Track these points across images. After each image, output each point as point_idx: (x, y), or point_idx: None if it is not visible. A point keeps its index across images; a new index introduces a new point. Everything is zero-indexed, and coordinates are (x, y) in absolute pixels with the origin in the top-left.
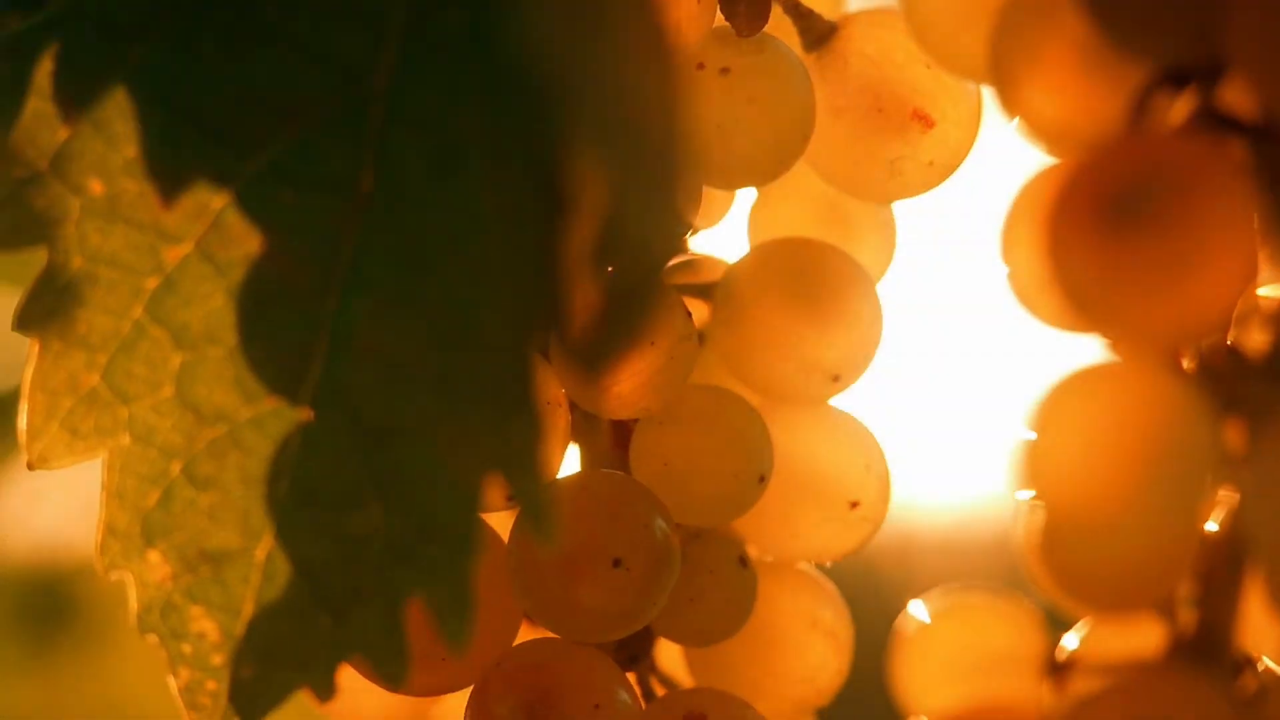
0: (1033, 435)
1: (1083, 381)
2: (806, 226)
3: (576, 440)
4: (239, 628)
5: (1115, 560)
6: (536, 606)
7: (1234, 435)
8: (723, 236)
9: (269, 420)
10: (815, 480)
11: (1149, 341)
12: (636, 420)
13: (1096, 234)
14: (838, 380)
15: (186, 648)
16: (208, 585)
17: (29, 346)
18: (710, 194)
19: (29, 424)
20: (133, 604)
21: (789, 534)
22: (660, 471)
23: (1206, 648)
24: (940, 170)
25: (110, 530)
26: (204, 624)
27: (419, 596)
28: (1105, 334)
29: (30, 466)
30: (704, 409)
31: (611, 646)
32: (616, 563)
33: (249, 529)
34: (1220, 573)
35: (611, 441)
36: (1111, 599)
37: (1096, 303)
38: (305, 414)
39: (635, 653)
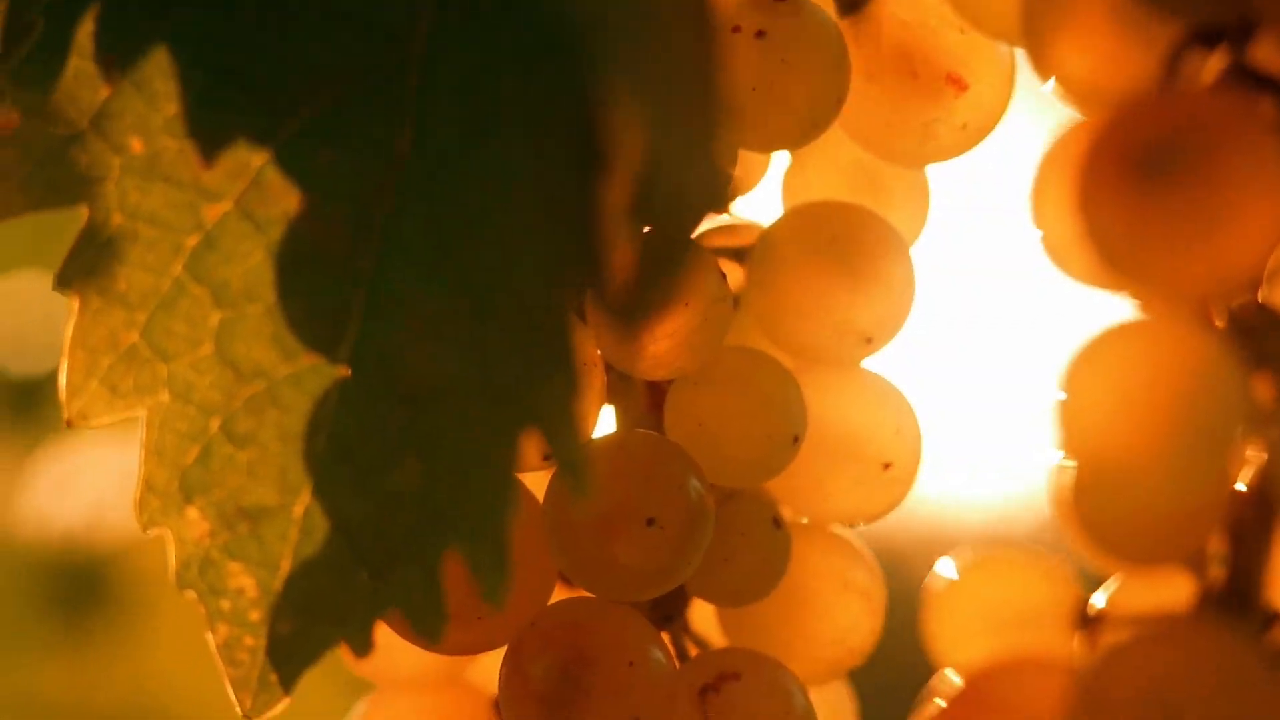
0: (1064, 393)
1: (1114, 338)
2: (840, 190)
3: (612, 402)
4: (277, 583)
5: (1146, 514)
6: (571, 565)
7: (1264, 391)
8: (758, 201)
9: (307, 377)
10: (848, 442)
11: (1180, 297)
12: (671, 382)
13: (1127, 189)
14: (870, 342)
15: (225, 604)
16: (246, 541)
17: (69, 304)
18: (745, 158)
19: (68, 381)
20: (171, 561)
21: (822, 496)
22: (694, 432)
23: (1235, 602)
24: (974, 133)
25: (149, 487)
26: (242, 580)
27: (456, 553)
28: (1136, 290)
29: (69, 424)
30: (738, 370)
31: (646, 606)
32: (651, 522)
33: (287, 485)
34: (1250, 528)
35: (646, 403)
36: (1142, 553)
37: (1127, 258)
38: (343, 371)
39: (669, 612)
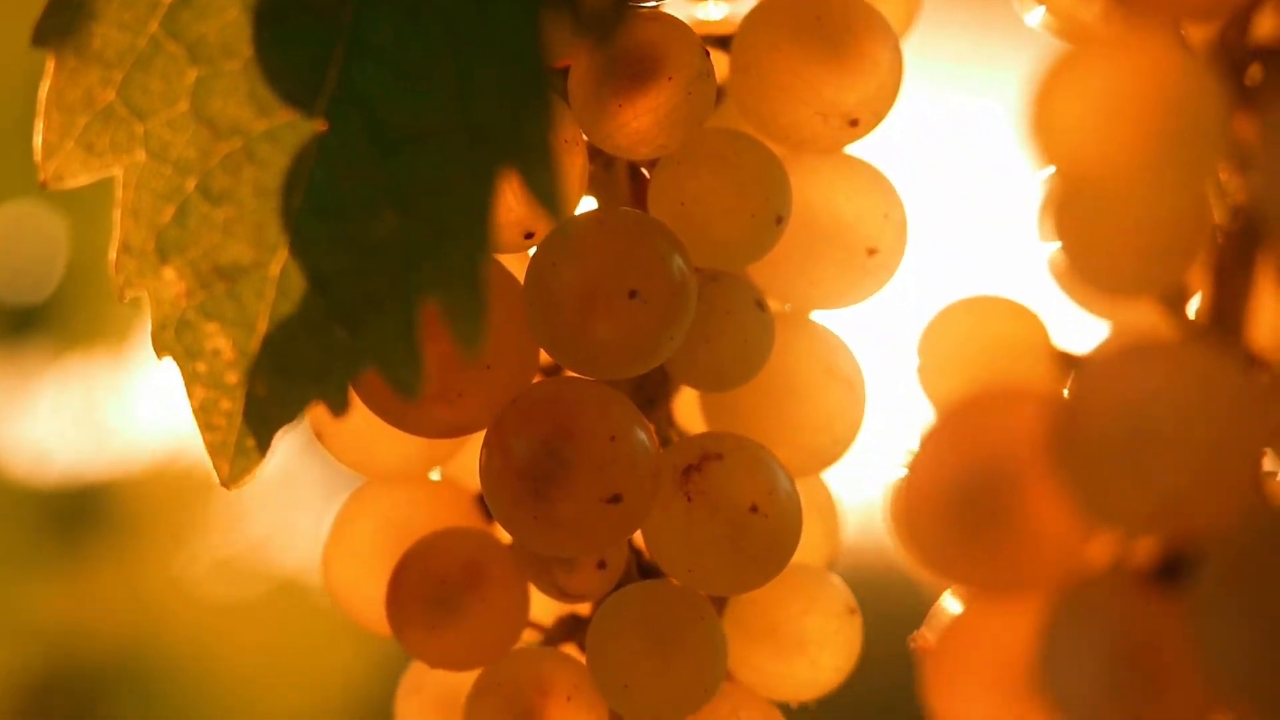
0: (1041, 105)
1: (1093, 52)
2: None
3: (593, 193)
4: (254, 344)
5: (1126, 232)
6: (553, 342)
7: (1245, 126)
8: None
9: (284, 133)
10: (833, 227)
11: (1156, 16)
12: (653, 169)
13: None
14: (856, 125)
15: (201, 366)
16: (222, 301)
17: (46, 63)
18: None
19: (44, 141)
20: (148, 323)
21: (807, 281)
22: (678, 211)
23: (1216, 339)
24: None
25: (125, 248)
26: (219, 341)
27: (434, 299)
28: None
29: (44, 185)
30: (721, 149)
31: (629, 389)
32: (633, 294)
33: (264, 243)
34: (1230, 263)
35: (628, 193)
36: (1123, 279)
37: None
38: (320, 126)
39: (652, 395)
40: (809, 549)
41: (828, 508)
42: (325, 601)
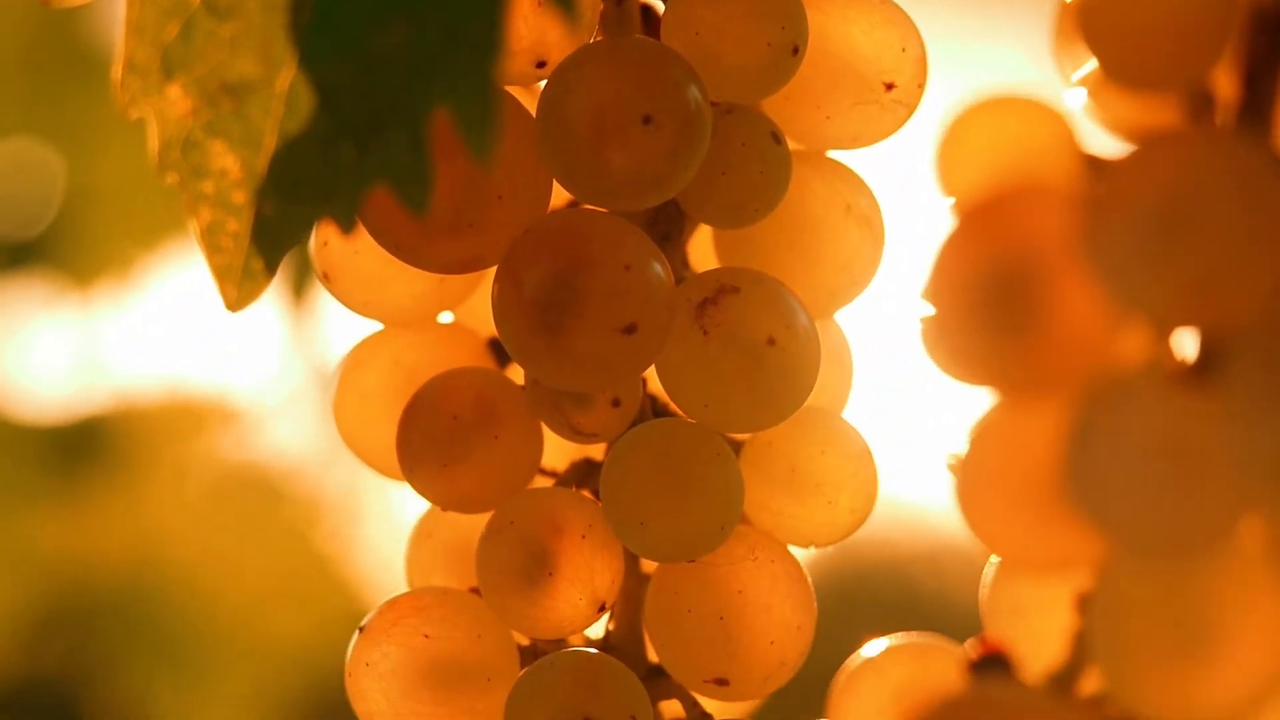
0: None
1: None
2: None
3: (604, 32)
4: (261, 162)
5: (1153, 20)
6: (566, 170)
7: None
8: None
9: None
10: (850, 60)
11: None
12: (666, 7)
13: None
14: None
15: (208, 186)
16: (229, 119)
17: None
18: None
19: None
20: (153, 143)
21: (823, 116)
22: (692, 41)
23: (1246, 134)
24: None
25: (130, 66)
26: (225, 160)
27: (444, 109)
28: None
29: (46, 4)
30: None
31: (643, 223)
32: (647, 120)
33: (271, 58)
34: (1259, 56)
35: (640, 31)
36: (1150, 71)
37: None
38: None
39: (667, 231)
40: (823, 392)
41: (843, 352)
42: (327, 530)
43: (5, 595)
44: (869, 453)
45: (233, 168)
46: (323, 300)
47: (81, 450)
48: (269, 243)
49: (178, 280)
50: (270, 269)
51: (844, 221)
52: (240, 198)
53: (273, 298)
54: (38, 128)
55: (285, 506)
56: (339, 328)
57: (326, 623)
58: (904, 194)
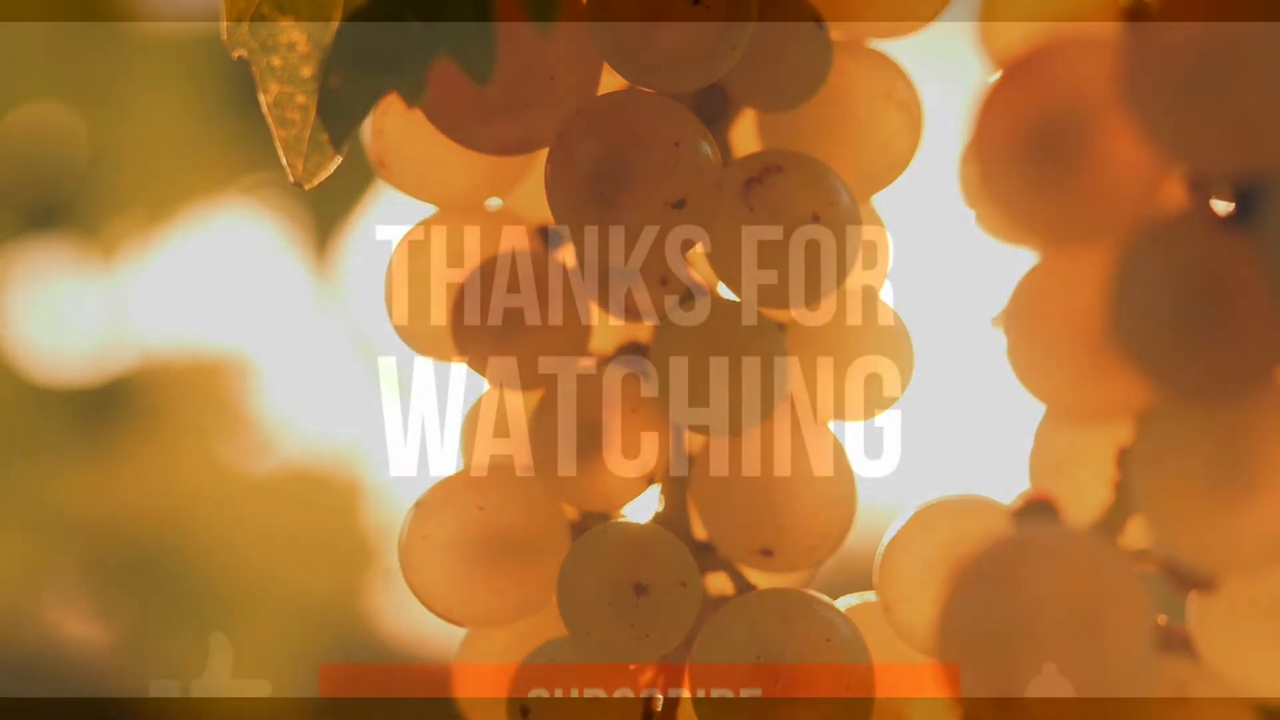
0: None
1: None
2: None
3: None
4: (328, 36)
5: None
6: (615, 49)
7: None
8: None
9: None
10: None
11: None
12: None
13: None
14: None
15: (276, 61)
16: None
17: None
18: None
19: None
20: (222, 20)
21: (863, 5)
22: None
23: None
24: None
25: None
26: (293, 34)
27: None
28: None
29: None
30: None
31: (689, 107)
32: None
33: None
34: None
35: None
36: None
37: None
38: None
39: (713, 115)
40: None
41: (879, 237)
42: (349, 484)
43: (33, 553)
44: (906, 332)
45: (300, 42)
46: (345, 262)
47: (107, 411)
48: (336, 115)
49: (202, 240)
50: (337, 142)
51: (883, 106)
52: (308, 71)
53: (297, 257)
54: (61, 92)
55: (307, 464)
56: (362, 288)
57: (352, 577)
58: (942, 83)
